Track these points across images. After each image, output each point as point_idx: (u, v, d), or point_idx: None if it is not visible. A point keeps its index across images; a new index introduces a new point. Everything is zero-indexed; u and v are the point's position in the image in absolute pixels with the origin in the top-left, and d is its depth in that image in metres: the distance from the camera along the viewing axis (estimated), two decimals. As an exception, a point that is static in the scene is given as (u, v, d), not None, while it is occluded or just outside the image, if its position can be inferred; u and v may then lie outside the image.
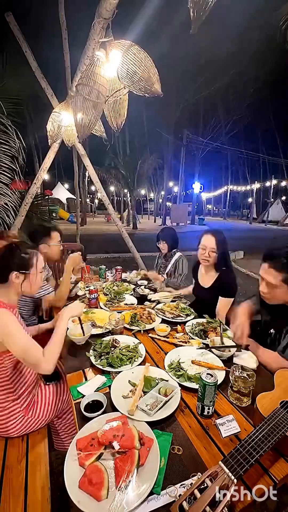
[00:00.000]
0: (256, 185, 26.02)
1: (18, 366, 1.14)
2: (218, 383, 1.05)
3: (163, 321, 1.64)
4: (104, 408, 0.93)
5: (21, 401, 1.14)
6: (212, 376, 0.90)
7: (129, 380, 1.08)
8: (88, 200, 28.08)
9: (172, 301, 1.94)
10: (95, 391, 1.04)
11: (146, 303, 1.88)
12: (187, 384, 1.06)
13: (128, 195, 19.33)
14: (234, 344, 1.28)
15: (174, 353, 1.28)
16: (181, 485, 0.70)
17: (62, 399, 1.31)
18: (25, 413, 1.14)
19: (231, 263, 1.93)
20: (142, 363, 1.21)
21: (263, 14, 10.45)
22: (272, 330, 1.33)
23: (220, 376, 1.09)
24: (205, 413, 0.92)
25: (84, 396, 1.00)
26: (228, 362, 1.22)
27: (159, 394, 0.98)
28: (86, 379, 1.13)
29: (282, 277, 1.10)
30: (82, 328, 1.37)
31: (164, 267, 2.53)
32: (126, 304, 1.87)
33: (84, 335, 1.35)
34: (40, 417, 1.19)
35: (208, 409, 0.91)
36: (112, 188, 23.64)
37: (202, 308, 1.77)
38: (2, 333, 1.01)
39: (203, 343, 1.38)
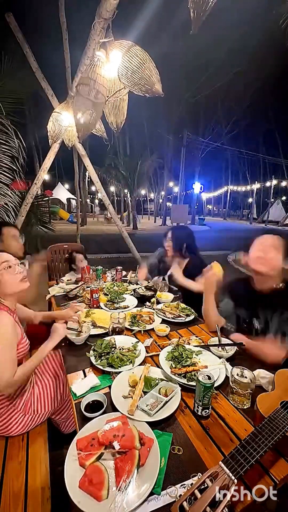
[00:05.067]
0: (256, 185, 26.02)
1: None
2: (218, 383, 1.05)
3: (163, 321, 1.64)
4: (104, 408, 0.93)
5: (16, 403, 1.15)
6: (209, 378, 0.90)
7: (129, 381, 1.08)
8: (88, 200, 28.08)
9: (172, 301, 1.94)
10: (91, 390, 1.05)
11: (147, 304, 1.88)
12: (181, 380, 1.07)
13: (129, 195, 19.33)
14: (231, 342, 1.29)
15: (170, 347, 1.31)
16: (181, 485, 0.70)
17: (60, 391, 1.32)
18: (24, 412, 1.15)
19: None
20: (142, 363, 1.21)
21: (264, 14, 10.45)
22: (256, 325, 1.36)
23: (221, 376, 1.09)
24: (204, 413, 0.92)
25: (75, 394, 1.02)
26: (228, 362, 1.22)
27: (159, 394, 0.98)
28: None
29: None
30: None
31: (165, 269, 2.52)
32: (126, 306, 1.86)
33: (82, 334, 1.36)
34: (39, 412, 1.20)
35: (207, 410, 0.91)
36: (112, 189, 23.63)
37: (192, 301, 1.82)
38: None
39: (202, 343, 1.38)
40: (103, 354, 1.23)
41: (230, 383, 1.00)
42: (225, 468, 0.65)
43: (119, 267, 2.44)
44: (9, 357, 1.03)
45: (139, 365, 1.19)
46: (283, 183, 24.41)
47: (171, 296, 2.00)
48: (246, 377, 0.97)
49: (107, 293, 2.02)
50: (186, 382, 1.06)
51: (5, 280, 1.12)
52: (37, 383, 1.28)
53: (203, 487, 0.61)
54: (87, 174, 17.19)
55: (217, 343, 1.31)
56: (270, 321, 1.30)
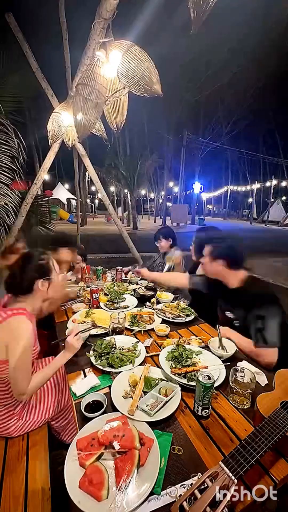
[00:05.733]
0: (256, 185, 26.01)
1: None
2: (219, 383, 1.05)
3: (163, 321, 1.64)
4: (104, 408, 0.93)
5: (15, 406, 1.14)
6: (209, 378, 0.90)
7: (129, 381, 1.08)
8: (88, 200, 28.10)
9: (172, 301, 1.94)
10: (91, 390, 1.05)
11: (147, 304, 1.88)
12: (182, 381, 1.06)
13: (128, 195, 19.33)
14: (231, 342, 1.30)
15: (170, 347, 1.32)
16: (181, 485, 0.70)
17: (62, 399, 1.31)
18: (19, 417, 1.14)
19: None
20: (142, 363, 1.21)
21: (265, 14, 10.45)
22: (231, 315, 1.44)
23: (221, 376, 1.09)
24: (204, 413, 0.92)
25: (75, 394, 1.02)
26: (228, 362, 1.22)
27: (159, 394, 0.98)
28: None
29: (208, 250, 1.47)
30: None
31: (162, 266, 2.54)
32: (126, 306, 1.86)
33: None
34: (38, 419, 1.19)
35: (207, 410, 0.91)
36: (112, 188, 23.63)
37: (201, 309, 1.77)
38: (11, 337, 1.01)
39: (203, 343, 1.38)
40: (103, 354, 1.23)
41: (230, 383, 1.00)
42: (225, 468, 0.65)
43: (119, 267, 2.44)
44: (27, 367, 1.04)
45: (139, 365, 1.19)
46: (283, 183, 24.40)
47: (171, 296, 2.00)
48: (246, 377, 0.97)
49: (107, 293, 2.02)
50: (186, 382, 1.06)
51: (60, 284, 1.24)
52: (40, 390, 1.27)
53: (203, 487, 0.61)
54: (87, 174, 17.18)
55: (217, 343, 1.31)
56: (242, 316, 1.37)
